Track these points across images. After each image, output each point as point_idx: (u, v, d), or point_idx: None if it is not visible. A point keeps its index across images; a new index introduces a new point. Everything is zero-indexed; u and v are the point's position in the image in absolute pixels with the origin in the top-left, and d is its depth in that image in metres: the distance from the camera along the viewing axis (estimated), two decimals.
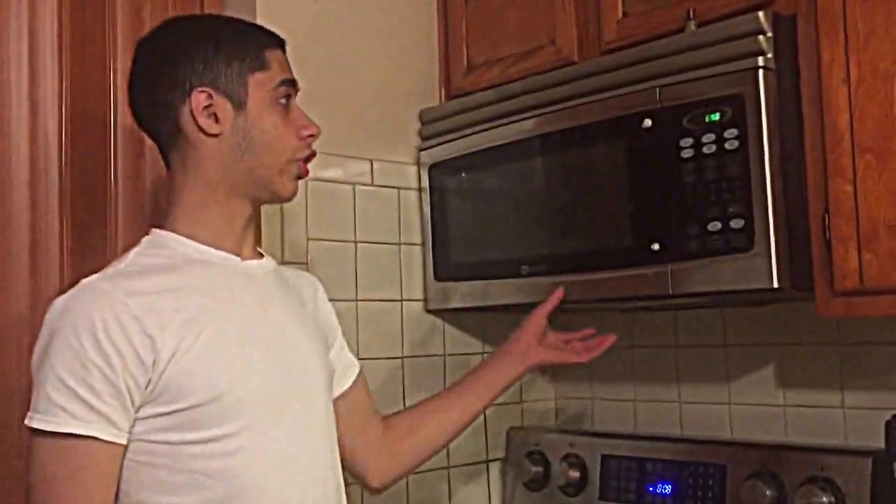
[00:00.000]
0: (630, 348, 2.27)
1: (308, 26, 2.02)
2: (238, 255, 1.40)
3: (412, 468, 1.70)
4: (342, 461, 1.47)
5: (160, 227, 1.40)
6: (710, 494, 1.90)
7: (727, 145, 1.59)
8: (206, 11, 1.87)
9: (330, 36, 2.07)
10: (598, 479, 2.11)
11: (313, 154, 1.44)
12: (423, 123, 2.17)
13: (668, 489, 1.98)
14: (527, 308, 1.85)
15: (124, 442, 1.22)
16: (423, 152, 2.16)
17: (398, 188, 2.15)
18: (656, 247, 1.70)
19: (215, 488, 1.24)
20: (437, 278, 2.13)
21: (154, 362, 1.21)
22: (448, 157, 2.10)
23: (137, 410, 1.22)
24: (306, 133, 1.41)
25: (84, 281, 1.27)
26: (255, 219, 1.45)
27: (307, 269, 1.93)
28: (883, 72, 1.50)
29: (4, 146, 1.68)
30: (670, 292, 1.68)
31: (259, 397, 1.30)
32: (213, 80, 1.35)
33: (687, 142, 1.64)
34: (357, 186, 2.06)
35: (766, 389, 2.02)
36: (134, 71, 1.41)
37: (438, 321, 2.19)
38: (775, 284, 1.56)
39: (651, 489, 2.01)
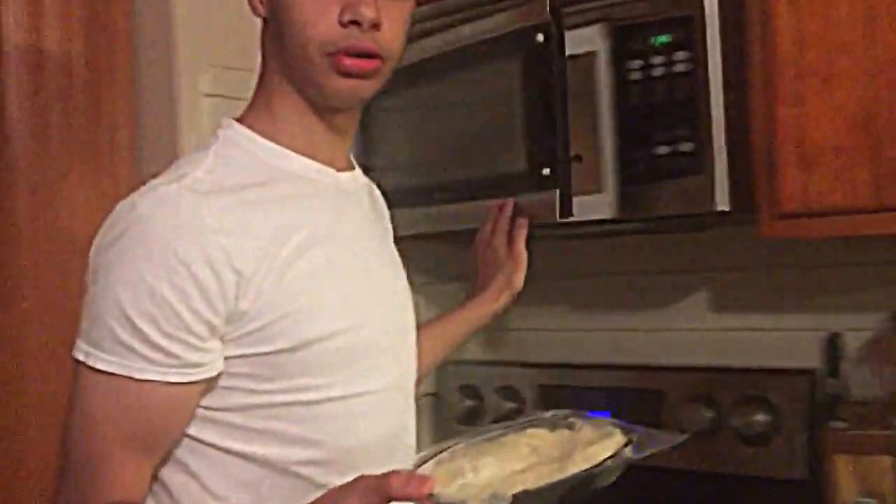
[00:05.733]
0: (563, 278, 2.39)
1: None
2: (332, 165, 1.25)
3: None
4: None
5: (240, 119, 1.22)
6: (648, 420, 2.07)
7: (675, 68, 1.71)
8: None
9: None
10: (535, 410, 2.25)
11: (359, 47, 1.13)
12: None
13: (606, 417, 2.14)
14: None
15: (205, 376, 1.10)
16: None
17: None
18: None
19: (320, 446, 1.16)
20: None
21: (236, 298, 1.08)
22: None
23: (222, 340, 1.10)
24: (348, 18, 1.12)
25: (163, 190, 1.09)
26: (347, 124, 1.25)
27: None
28: None
29: None
30: (616, 217, 1.79)
31: (363, 343, 1.20)
32: None
33: (635, 64, 1.76)
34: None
35: (701, 314, 2.19)
36: None
37: None
38: (721, 207, 1.68)
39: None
